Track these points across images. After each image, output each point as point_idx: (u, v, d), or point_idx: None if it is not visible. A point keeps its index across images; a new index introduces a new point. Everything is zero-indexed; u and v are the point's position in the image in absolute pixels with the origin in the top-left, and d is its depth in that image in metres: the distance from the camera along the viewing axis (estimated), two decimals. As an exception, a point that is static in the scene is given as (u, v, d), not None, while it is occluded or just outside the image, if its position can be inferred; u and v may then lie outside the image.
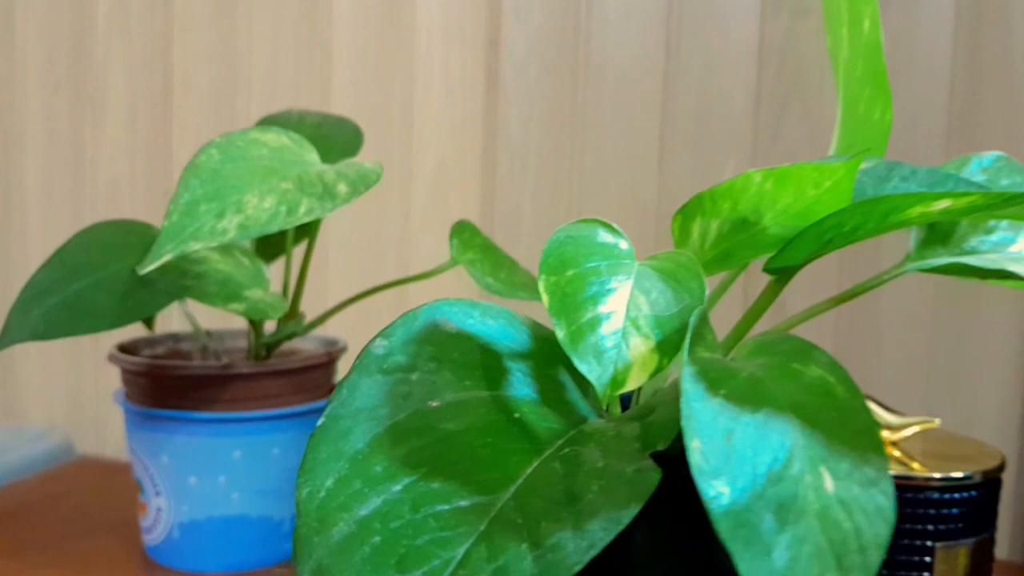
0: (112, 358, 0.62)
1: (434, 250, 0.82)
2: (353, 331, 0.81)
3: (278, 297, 0.59)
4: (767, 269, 0.38)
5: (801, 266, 0.38)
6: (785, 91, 0.76)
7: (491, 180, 0.81)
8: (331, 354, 0.64)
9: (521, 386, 0.36)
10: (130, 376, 0.62)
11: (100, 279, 0.55)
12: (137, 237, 0.59)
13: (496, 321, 0.37)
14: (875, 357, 0.74)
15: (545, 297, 0.33)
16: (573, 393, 0.37)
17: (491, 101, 0.81)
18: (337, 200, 0.49)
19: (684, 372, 0.30)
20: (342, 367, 0.70)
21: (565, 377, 0.38)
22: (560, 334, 0.32)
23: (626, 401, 0.41)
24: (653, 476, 0.29)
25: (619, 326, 0.33)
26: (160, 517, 0.61)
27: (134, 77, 0.89)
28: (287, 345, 0.70)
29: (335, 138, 0.63)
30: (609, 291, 0.34)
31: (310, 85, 0.85)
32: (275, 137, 0.54)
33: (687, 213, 0.39)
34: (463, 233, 0.58)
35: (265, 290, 0.59)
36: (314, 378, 0.63)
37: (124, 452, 0.90)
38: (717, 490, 0.29)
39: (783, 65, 0.76)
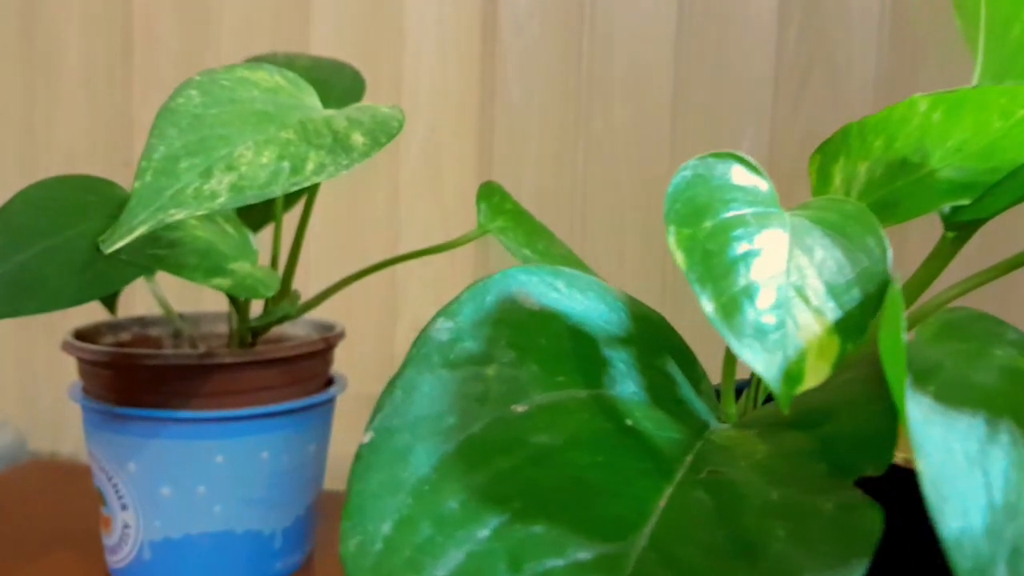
0: (67, 346, 0.52)
1: (426, 224, 0.74)
2: (335, 314, 0.73)
3: (270, 272, 0.49)
4: (953, 222, 0.29)
5: (987, 219, 0.29)
6: (807, 55, 0.69)
7: (488, 149, 0.73)
8: (328, 340, 0.55)
9: (625, 381, 0.26)
10: (89, 367, 0.52)
11: (52, 247, 0.45)
12: (98, 197, 0.48)
13: (585, 295, 0.28)
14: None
15: (680, 256, 0.23)
16: (685, 389, 0.28)
17: (488, 62, 0.73)
18: (354, 154, 0.39)
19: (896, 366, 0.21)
20: (338, 355, 0.60)
21: (673, 368, 0.28)
22: (708, 307, 0.23)
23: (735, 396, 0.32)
24: (872, 516, 0.20)
25: (780, 296, 0.23)
26: (127, 535, 0.51)
27: (91, 33, 0.79)
28: (274, 331, 0.60)
29: (332, 84, 0.54)
30: (759, 250, 0.24)
31: (288, 42, 0.76)
32: (267, 76, 0.44)
33: (827, 152, 0.30)
34: (491, 197, 0.49)
35: (253, 263, 0.49)
36: (309, 368, 0.54)
37: (84, 452, 0.81)
38: (956, 531, 0.20)
39: (806, 26, 0.68)
